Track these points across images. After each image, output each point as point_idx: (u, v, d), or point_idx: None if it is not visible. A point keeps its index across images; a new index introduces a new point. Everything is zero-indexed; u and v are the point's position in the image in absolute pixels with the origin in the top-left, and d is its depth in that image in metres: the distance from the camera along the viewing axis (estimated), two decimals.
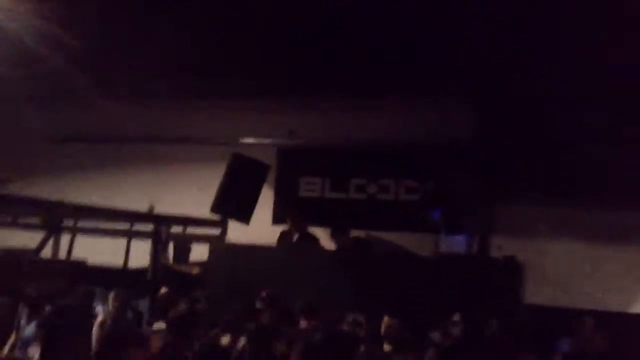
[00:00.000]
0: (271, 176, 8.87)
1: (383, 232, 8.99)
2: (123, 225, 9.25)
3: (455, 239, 8.00)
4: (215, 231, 8.79)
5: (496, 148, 8.00)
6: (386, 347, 6.25)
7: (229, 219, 8.48)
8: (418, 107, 8.87)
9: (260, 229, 8.41)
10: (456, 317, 6.34)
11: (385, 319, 6.44)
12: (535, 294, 7.36)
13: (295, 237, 8.17)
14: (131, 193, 9.53)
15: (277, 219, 9.00)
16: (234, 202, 8.17)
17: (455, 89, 8.28)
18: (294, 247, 8.13)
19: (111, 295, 6.51)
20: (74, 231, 9.55)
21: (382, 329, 6.35)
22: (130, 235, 8.99)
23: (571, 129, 7.25)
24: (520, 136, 7.74)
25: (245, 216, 8.15)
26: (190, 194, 9.23)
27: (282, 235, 8.35)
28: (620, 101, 7.15)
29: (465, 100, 8.49)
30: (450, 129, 8.66)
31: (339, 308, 6.72)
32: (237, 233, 8.44)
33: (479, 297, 7.05)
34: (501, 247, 7.45)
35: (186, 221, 8.97)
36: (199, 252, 8.78)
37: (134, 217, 8.85)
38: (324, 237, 8.62)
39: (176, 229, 9.10)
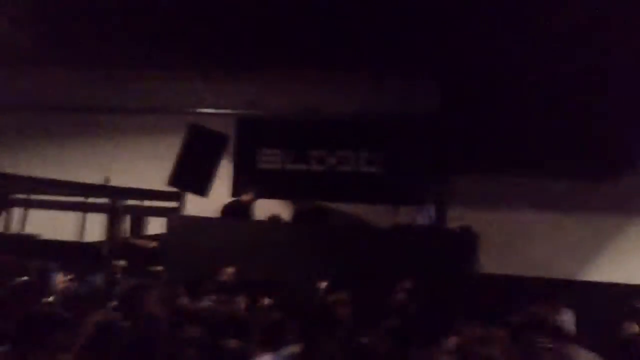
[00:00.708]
0: (230, 148, 8.74)
1: (343, 203, 9.01)
2: (77, 199, 9.04)
3: (413, 210, 8.06)
4: (172, 204, 8.66)
5: (455, 120, 8.04)
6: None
7: (186, 192, 8.35)
8: (379, 79, 8.85)
9: (218, 201, 8.29)
10: (407, 284, 6.38)
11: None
12: (489, 263, 7.49)
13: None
14: (86, 165, 9.28)
15: (236, 192, 8.90)
16: (191, 175, 8.01)
17: (417, 61, 8.26)
18: (253, 220, 8.05)
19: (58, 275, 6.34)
20: (27, 205, 9.30)
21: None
22: (84, 208, 8.78)
23: (528, 101, 7.32)
24: (479, 109, 7.79)
25: (202, 189, 8.01)
26: (146, 166, 9.01)
27: (228, 208, 8.21)
28: (577, 73, 7.21)
29: (426, 72, 8.48)
30: (411, 101, 8.69)
31: (300, 281, 6.79)
32: (195, 206, 8.32)
33: (435, 268, 7.17)
34: (457, 218, 7.55)
35: (142, 194, 8.80)
36: (156, 226, 8.65)
37: (88, 189, 8.65)
38: (284, 209, 8.59)
39: (132, 202, 8.96)
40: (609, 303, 7.13)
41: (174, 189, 8.30)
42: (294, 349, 4.16)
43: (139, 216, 8.97)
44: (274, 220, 8.18)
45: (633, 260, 8.04)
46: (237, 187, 8.90)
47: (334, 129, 9.20)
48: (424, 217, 7.83)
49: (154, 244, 8.17)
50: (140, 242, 8.42)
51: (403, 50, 8.06)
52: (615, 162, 7.47)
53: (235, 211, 8.09)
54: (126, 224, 8.84)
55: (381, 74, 8.79)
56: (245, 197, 8.15)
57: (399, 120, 8.83)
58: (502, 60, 7.35)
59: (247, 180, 8.63)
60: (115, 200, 8.47)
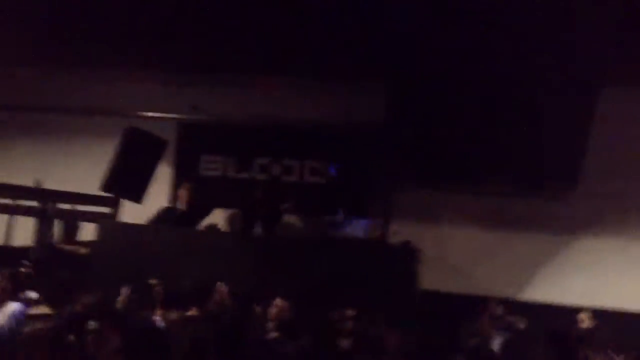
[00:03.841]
0: (170, 153, 8.45)
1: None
2: (6, 201, 8.61)
3: (355, 223, 7.90)
4: (107, 209, 8.31)
5: (401, 133, 7.93)
6: (273, 333, 6.09)
7: (120, 198, 8.01)
8: (328, 88, 8.72)
9: (156, 208, 7.99)
10: (350, 312, 6.18)
11: (278, 301, 6.35)
12: (430, 279, 7.37)
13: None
14: (16, 166, 8.88)
15: (174, 198, 8.59)
16: (126, 180, 7.69)
17: (367, 71, 8.14)
18: (189, 228, 7.75)
19: None
20: None
21: (274, 313, 6.22)
22: (13, 211, 8.36)
23: (472, 117, 7.24)
24: (424, 122, 7.69)
25: (137, 195, 7.70)
26: (82, 169, 8.67)
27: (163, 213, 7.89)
28: (523, 90, 7.17)
29: (375, 83, 8.36)
30: (359, 112, 8.55)
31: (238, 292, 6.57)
32: (131, 212, 7.99)
33: (375, 282, 7.03)
34: (398, 232, 7.42)
35: (75, 198, 8.43)
36: (90, 232, 8.28)
37: (18, 192, 8.24)
38: (224, 218, 8.32)
39: (65, 206, 8.58)
40: (546, 323, 7.10)
41: (109, 194, 7.97)
42: None
43: (71, 221, 8.58)
44: (212, 229, 7.91)
45: (572, 279, 8.00)
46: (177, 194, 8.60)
47: (280, 137, 8.99)
48: (361, 229, 7.68)
49: (84, 250, 7.82)
50: (70, 248, 8.05)
51: (351, 59, 7.93)
52: (557, 180, 7.44)
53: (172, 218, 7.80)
54: (57, 228, 8.44)
55: (332, 83, 8.64)
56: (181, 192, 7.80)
57: (346, 131, 8.68)
58: (449, 75, 7.27)
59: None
60: (45, 204, 8.09)
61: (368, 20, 7.22)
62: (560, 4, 6.03)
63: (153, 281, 6.54)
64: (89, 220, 8.27)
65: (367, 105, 8.49)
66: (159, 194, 8.34)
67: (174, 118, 9.04)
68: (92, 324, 5.23)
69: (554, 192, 7.75)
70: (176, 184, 8.80)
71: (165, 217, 7.66)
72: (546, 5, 6.07)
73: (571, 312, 7.39)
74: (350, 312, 6.16)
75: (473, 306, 7.26)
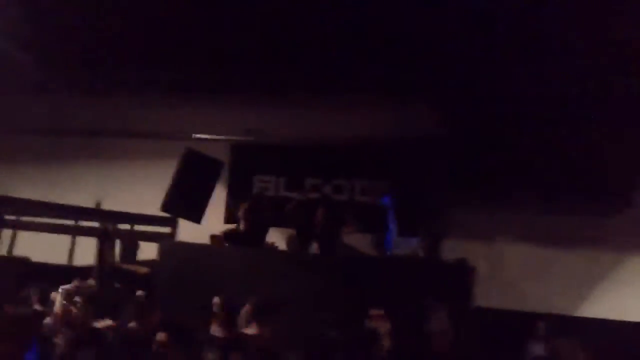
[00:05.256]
0: (224, 174, 8.68)
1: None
2: (68, 221, 8.93)
3: (407, 241, 7.99)
4: (165, 229, 8.57)
5: (452, 152, 8.04)
6: None
7: (179, 218, 8.26)
8: (376, 105, 8.82)
9: (212, 228, 8.17)
10: None
11: None
12: (486, 297, 7.41)
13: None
14: (77, 188, 9.22)
15: (229, 218, 8.81)
16: (185, 201, 7.90)
17: (417, 88, 8.25)
18: (247, 247, 7.94)
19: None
20: (16, 227, 9.18)
21: None
22: (75, 232, 8.67)
23: (524, 135, 7.34)
24: (476, 141, 7.79)
25: (196, 215, 7.90)
26: (140, 191, 8.95)
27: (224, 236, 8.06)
28: (576, 108, 7.23)
29: (425, 100, 8.47)
30: (409, 129, 8.66)
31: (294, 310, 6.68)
32: (188, 232, 8.22)
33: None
34: (452, 249, 7.49)
35: (134, 218, 8.71)
36: (149, 251, 8.53)
37: (79, 213, 8.55)
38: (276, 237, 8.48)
39: (125, 227, 8.86)
40: (602, 339, 7.08)
41: (168, 215, 8.21)
42: None
43: (131, 241, 8.85)
44: (268, 248, 8.07)
45: (628, 295, 7.98)
46: (231, 214, 8.81)
47: (331, 156, 9.17)
48: (418, 248, 7.77)
49: (145, 269, 8.05)
50: (131, 267, 8.30)
51: (407, 77, 8.01)
52: (611, 197, 7.47)
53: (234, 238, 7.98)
54: (118, 248, 8.72)
55: (381, 101, 8.77)
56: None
57: (397, 150, 8.80)
58: (502, 93, 7.36)
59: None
60: (106, 224, 8.37)
61: (420, 36, 7.32)
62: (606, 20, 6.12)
63: (215, 299, 6.71)
64: (148, 240, 8.55)
65: (416, 124, 8.62)
66: (214, 214, 8.54)
67: (227, 140, 9.29)
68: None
69: (607, 209, 7.77)
70: (230, 205, 9.04)
71: (230, 237, 7.85)
72: (594, 22, 6.17)
73: (626, 328, 7.45)
74: None
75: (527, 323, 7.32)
